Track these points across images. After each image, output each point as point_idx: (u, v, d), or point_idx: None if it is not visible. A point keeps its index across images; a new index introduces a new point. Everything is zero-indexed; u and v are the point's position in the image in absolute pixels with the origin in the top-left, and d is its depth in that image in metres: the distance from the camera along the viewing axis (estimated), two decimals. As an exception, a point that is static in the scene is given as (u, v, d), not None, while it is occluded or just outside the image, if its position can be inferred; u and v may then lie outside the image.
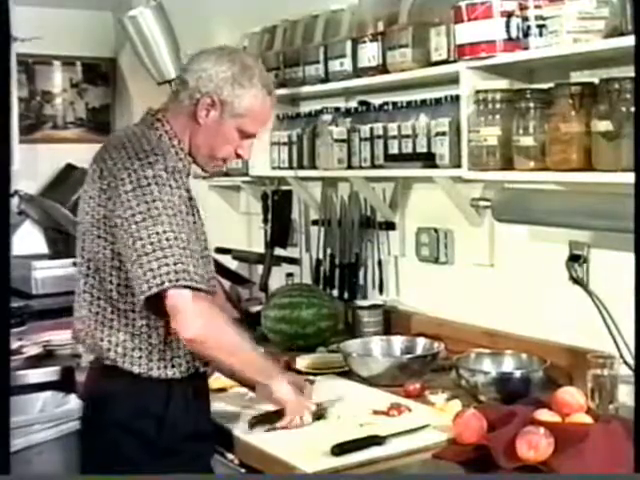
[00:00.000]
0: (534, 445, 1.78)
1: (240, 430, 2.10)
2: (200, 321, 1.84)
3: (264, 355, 2.12)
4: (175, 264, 1.81)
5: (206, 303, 1.87)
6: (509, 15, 2.25)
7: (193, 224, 1.93)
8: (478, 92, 2.36)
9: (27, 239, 4.27)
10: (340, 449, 1.90)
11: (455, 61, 2.43)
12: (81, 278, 2.00)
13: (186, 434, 1.98)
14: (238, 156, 2.11)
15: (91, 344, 1.99)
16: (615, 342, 2.22)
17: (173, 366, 1.97)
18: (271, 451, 1.96)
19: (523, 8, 2.24)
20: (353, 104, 3.08)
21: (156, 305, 1.86)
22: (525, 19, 2.24)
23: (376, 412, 2.18)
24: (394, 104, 2.84)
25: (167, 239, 1.82)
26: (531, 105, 2.24)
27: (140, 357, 1.95)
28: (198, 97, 2.00)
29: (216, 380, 2.37)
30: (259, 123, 2.08)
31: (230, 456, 2.10)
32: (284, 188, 3.43)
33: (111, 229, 1.89)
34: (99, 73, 4.88)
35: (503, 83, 2.37)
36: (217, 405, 2.22)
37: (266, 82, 2.07)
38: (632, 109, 1.95)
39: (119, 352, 1.95)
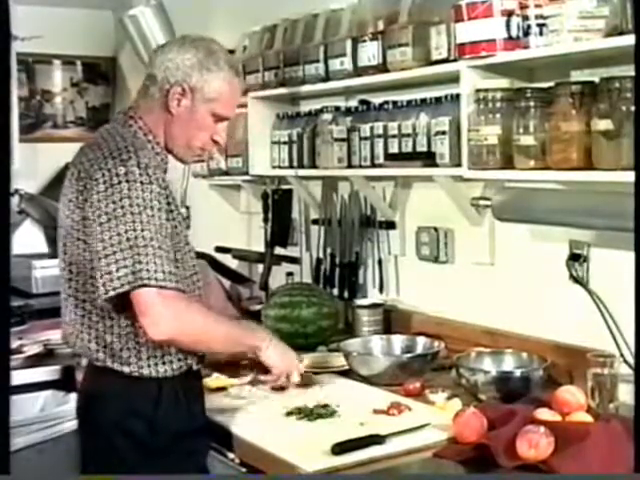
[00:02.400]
0: (534, 444, 1.78)
1: (239, 428, 2.10)
2: (165, 322, 1.82)
3: (242, 325, 2.16)
4: (134, 264, 1.79)
5: (170, 301, 1.83)
6: (509, 14, 2.25)
7: (167, 220, 1.89)
8: (478, 91, 2.36)
9: (27, 238, 4.27)
10: (340, 448, 1.90)
11: (455, 60, 2.43)
12: (65, 282, 2.00)
13: (178, 433, 1.96)
14: (215, 142, 2.10)
15: (81, 346, 1.98)
16: (615, 341, 2.22)
17: (164, 363, 1.96)
18: (271, 450, 1.96)
19: (523, 7, 2.24)
20: (353, 103, 3.08)
21: (126, 305, 1.86)
22: (525, 18, 2.24)
23: (376, 411, 2.18)
24: (394, 103, 2.84)
25: (127, 239, 1.80)
26: (531, 104, 2.24)
27: (129, 357, 1.93)
28: (168, 87, 2.00)
29: (216, 379, 2.38)
30: (231, 105, 2.08)
31: (230, 455, 2.10)
32: (284, 187, 3.43)
33: (85, 230, 1.89)
34: (99, 72, 4.89)
35: (503, 82, 2.36)
36: (217, 403, 2.23)
37: (232, 64, 2.08)
38: (632, 108, 1.94)
39: (108, 353, 1.94)
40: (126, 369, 1.93)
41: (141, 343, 1.93)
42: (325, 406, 2.20)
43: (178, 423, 1.97)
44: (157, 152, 2.03)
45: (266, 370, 2.16)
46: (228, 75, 2.04)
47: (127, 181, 1.83)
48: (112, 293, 1.81)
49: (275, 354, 2.10)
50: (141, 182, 1.84)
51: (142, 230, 1.82)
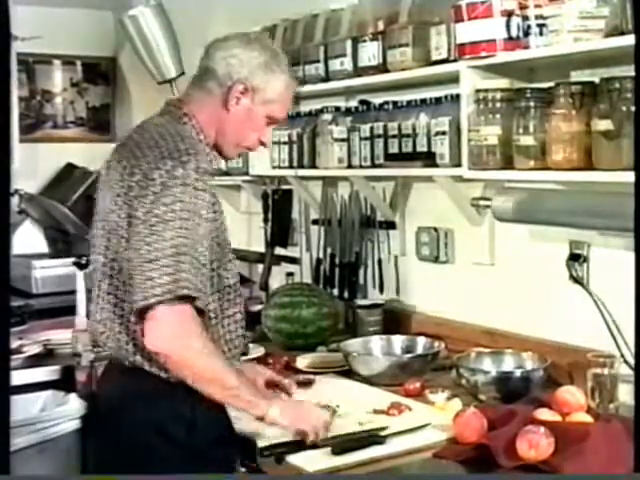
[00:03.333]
0: (534, 444, 1.78)
1: (239, 428, 2.09)
2: (168, 336, 1.74)
3: (249, 385, 1.89)
4: (175, 273, 1.73)
5: (180, 321, 1.75)
6: (509, 14, 2.25)
7: (209, 232, 1.84)
8: (478, 91, 2.36)
9: (27, 238, 4.28)
10: (340, 448, 1.90)
11: (455, 60, 2.43)
12: (104, 279, 1.91)
13: (215, 438, 1.91)
14: (261, 143, 2.06)
15: (114, 347, 1.89)
16: (615, 341, 2.23)
17: None
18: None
19: (523, 7, 2.24)
20: (353, 103, 3.08)
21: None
22: (525, 18, 2.24)
23: (376, 411, 2.18)
24: (394, 103, 2.84)
25: (172, 246, 1.74)
26: (531, 104, 2.24)
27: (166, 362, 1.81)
28: (229, 84, 1.94)
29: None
30: (286, 108, 2.06)
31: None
32: (284, 187, 3.43)
33: (131, 229, 1.80)
34: (99, 72, 4.88)
35: (503, 82, 2.37)
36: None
37: (290, 67, 2.05)
38: (632, 108, 1.95)
39: (145, 357, 1.84)
40: (163, 374, 1.84)
41: None
42: (325, 406, 2.20)
43: (214, 428, 1.91)
44: (207, 153, 1.96)
45: None
46: (288, 78, 2.01)
47: (183, 184, 1.77)
48: (153, 300, 1.72)
49: (280, 416, 1.89)
50: (194, 187, 1.78)
51: (186, 238, 1.76)
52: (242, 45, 1.97)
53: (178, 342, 1.75)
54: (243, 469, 2.04)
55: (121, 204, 1.85)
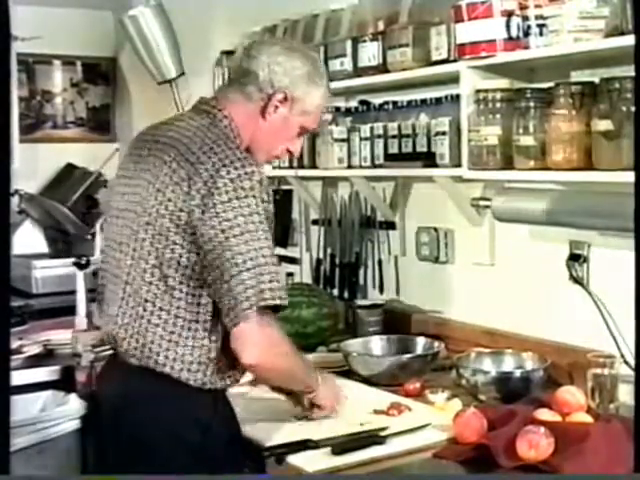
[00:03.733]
0: (534, 444, 1.78)
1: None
2: (258, 350, 1.79)
3: (309, 367, 2.08)
4: (270, 281, 1.76)
5: (271, 329, 1.82)
6: (509, 14, 2.25)
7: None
8: (478, 91, 2.36)
9: (27, 238, 4.28)
10: (340, 448, 1.90)
11: (455, 60, 2.43)
12: (136, 283, 1.86)
13: (227, 440, 1.92)
14: (289, 152, 2.07)
15: (136, 351, 1.87)
16: (615, 341, 2.23)
17: (223, 379, 1.89)
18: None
19: (523, 7, 2.24)
20: (353, 103, 3.08)
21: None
22: (525, 18, 2.24)
23: (376, 411, 2.18)
24: (394, 103, 2.84)
25: (263, 255, 1.76)
26: (531, 104, 2.24)
27: (197, 371, 1.85)
28: (270, 92, 1.93)
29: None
30: (319, 120, 2.07)
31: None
32: (284, 187, 3.43)
33: (193, 237, 1.78)
34: (99, 72, 4.88)
35: (503, 82, 2.36)
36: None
37: (328, 79, 2.05)
38: (632, 108, 1.95)
39: (176, 367, 1.84)
40: (191, 382, 1.85)
41: (211, 358, 1.86)
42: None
43: (229, 431, 1.94)
44: None
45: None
46: (326, 91, 2.01)
47: (253, 197, 1.77)
48: (255, 306, 1.75)
49: (325, 395, 2.08)
50: (262, 199, 1.79)
51: (270, 247, 1.79)
52: (285, 52, 1.95)
53: (272, 353, 1.83)
54: (245, 469, 2.05)
55: (173, 209, 1.81)
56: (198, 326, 1.84)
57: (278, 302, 1.78)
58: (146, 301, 1.85)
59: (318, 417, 2.10)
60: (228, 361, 1.87)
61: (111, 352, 2.03)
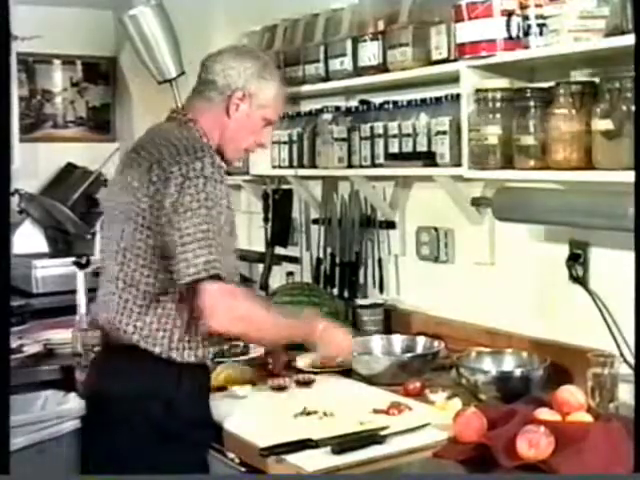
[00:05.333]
0: (534, 444, 1.78)
1: (239, 428, 2.10)
2: (224, 313, 1.98)
3: (291, 318, 2.27)
4: (207, 254, 1.94)
5: (231, 294, 2.00)
6: (509, 14, 2.25)
7: (230, 218, 2.06)
8: (478, 91, 2.36)
9: (27, 238, 4.27)
10: (340, 448, 1.90)
11: (455, 60, 2.43)
12: (113, 265, 2.08)
13: (191, 420, 2.05)
14: (260, 145, 2.27)
15: (112, 329, 2.07)
16: (615, 341, 2.23)
17: (190, 348, 2.06)
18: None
19: (523, 7, 2.24)
20: (353, 103, 3.08)
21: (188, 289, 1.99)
22: (525, 18, 2.24)
23: (376, 411, 2.18)
24: (394, 103, 2.84)
25: (202, 231, 1.94)
26: (531, 104, 2.24)
27: (163, 337, 2.03)
28: (229, 93, 2.15)
29: (216, 379, 2.38)
30: (278, 111, 2.29)
31: (230, 455, 2.10)
32: (285, 187, 3.43)
33: (157, 219, 1.98)
34: (99, 72, 4.88)
35: (503, 82, 2.37)
36: (217, 402, 2.22)
37: (279, 74, 2.29)
38: (632, 108, 1.94)
39: (143, 334, 2.03)
40: (157, 349, 2.03)
41: (177, 326, 2.04)
42: (325, 406, 2.20)
43: (192, 411, 2.06)
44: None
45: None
46: (278, 84, 2.23)
47: (203, 177, 1.97)
48: (188, 279, 1.93)
49: (326, 342, 2.23)
50: (214, 180, 1.99)
51: (212, 225, 1.96)
52: (237, 57, 2.19)
53: (234, 315, 2.00)
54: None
55: (140, 196, 2.02)
56: (166, 298, 2.03)
57: (213, 272, 1.94)
58: (116, 279, 2.07)
59: (333, 361, 2.41)
60: (193, 334, 2.05)
61: (102, 340, 2.19)
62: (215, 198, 1.98)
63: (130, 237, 2.04)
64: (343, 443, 1.92)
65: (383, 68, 2.72)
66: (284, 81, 2.32)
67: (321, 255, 3.33)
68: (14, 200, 4.14)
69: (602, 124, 2.02)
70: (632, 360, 2.15)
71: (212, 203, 1.97)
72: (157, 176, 2.00)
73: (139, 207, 2.02)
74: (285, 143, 3.21)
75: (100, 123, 4.89)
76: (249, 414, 2.21)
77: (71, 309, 3.04)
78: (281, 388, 2.40)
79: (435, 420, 2.07)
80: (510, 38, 2.26)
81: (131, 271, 2.04)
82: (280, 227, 3.44)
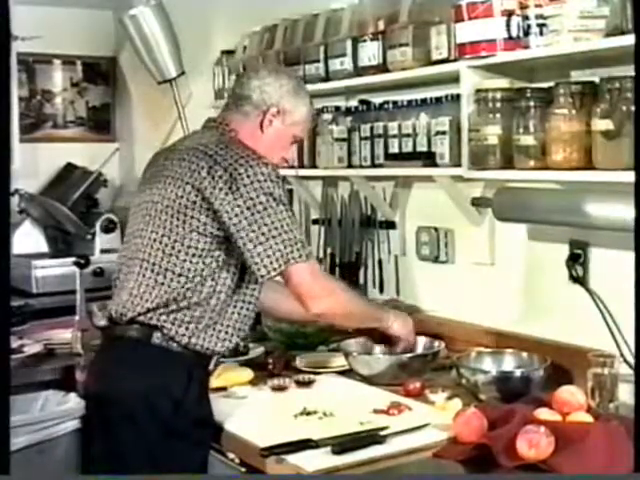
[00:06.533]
0: (534, 444, 1.78)
1: (239, 428, 2.10)
2: (326, 299, 2.10)
3: (372, 305, 2.55)
4: (297, 243, 2.04)
5: (328, 279, 2.25)
6: (510, 14, 2.25)
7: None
8: (478, 91, 2.36)
9: (27, 238, 4.27)
10: (340, 448, 1.90)
11: (456, 60, 2.43)
12: (142, 251, 2.12)
13: (197, 418, 2.08)
14: (284, 160, 2.34)
15: (130, 307, 2.10)
16: (615, 341, 2.22)
17: (220, 338, 2.11)
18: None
19: (524, 7, 2.24)
20: (353, 103, 3.08)
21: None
22: (526, 18, 2.24)
23: (376, 411, 2.18)
24: (394, 103, 2.84)
25: (287, 224, 2.04)
26: (531, 104, 2.24)
27: (187, 329, 2.07)
28: (264, 109, 2.22)
29: (216, 379, 2.38)
30: (307, 129, 2.40)
31: (231, 455, 2.10)
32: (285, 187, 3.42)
33: (215, 214, 2.04)
34: (99, 72, 4.88)
35: (503, 82, 2.37)
36: (217, 403, 2.23)
37: (309, 94, 2.35)
38: (632, 108, 1.95)
39: (174, 320, 2.07)
40: (184, 339, 2.06)
41: (202, 317, 2.08)
42: (325, 406, 2.20)
43: (199, 410, 2.10)
44: None
45: (383, 340, 2.46)
46: (309, 103, 2.31)
47: (271, 180, 2.05)
48: (273, 273, 2.03)
49: (400, 327, 2.40)
50: (277, 182, 2.07)
51: (287, 219, 2.05)
52: (273, 74, 2.26)
53: (331, 299, 2.13)
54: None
55: (190, 190, 2.07)
56: (203, 288, 2.08)
57: (294, 262, 2.04)
58: (145, 264, 2.11)
59: (400, 349, 2.42)
60: (218, 331, 2.11)
61: (106, 337, 2.24)
62: (281, 198, 2.06)
63: (176, 230, 2.08)
64: (343, 443, 1.92)
65: (383, 68, 2.72)
66: (312, 102, 2.37)
67: (321, 255, 3.33)
68: (14, 200, 4.14)
69: (602, 124, 2.02)
70: (632, 360, 2.15)
71: (281, 202, 2.05)
72: (219, 176, 2.04)
73: (193, 202, 2.06)
74: (285, 143, 3.21)
75: (100, 123, 4.89)
76: (249, 414, 2.21)
77: (71, 309, 3.03)
78: (281, 388, 2.40)
79: (435, 420, 2.07)
80: (510, 38, 2.26)
81: (166, 256, 2.08)
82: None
